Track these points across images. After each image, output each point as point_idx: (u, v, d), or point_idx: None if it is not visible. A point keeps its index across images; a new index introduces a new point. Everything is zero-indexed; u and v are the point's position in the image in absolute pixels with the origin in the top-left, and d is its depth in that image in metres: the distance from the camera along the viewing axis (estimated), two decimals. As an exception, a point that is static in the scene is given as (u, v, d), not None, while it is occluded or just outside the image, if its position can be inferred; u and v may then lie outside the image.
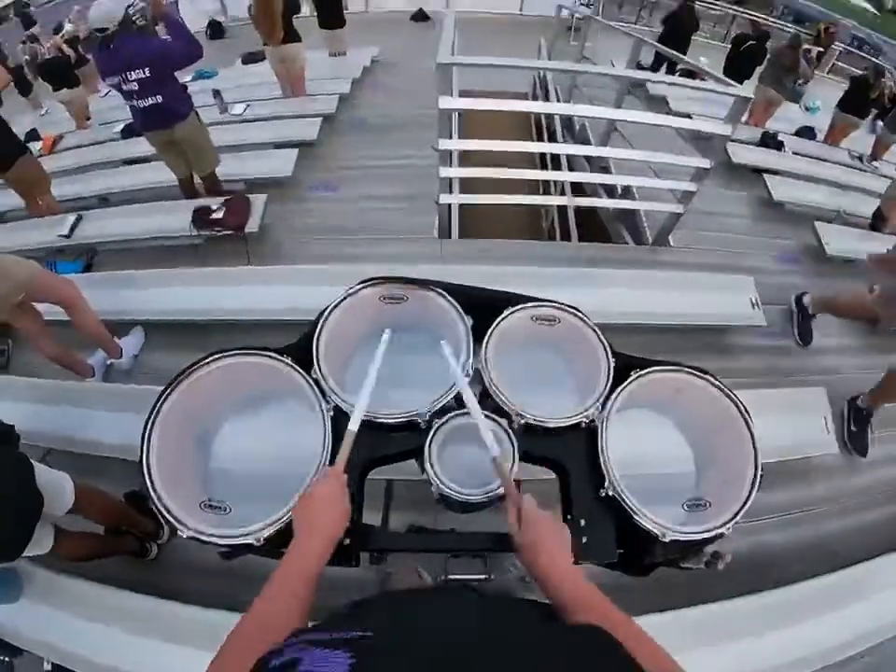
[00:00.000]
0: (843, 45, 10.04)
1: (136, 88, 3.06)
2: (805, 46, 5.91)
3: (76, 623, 1.75)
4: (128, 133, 5.07)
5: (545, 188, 5.47)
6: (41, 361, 2.65)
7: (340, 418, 1.14)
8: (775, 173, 4.56)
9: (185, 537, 1.02)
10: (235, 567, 1.64)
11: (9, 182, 3.69)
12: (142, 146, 4.41)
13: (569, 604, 0.71)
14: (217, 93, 5.07)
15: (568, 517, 1.15)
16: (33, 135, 5.71)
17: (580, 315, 1.33)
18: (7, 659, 1.78)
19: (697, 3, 7.69)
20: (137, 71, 2.99)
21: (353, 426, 0.97)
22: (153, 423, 1.10)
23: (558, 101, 5.89)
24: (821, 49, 6.99)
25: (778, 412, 2.36)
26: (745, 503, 1.09)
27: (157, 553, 2.16)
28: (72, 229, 3.56)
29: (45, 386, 2.53)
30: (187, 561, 2.12)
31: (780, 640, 1.76)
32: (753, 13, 9.87)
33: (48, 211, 3.87)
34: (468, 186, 4.01)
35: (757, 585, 1.87)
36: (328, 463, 1.07)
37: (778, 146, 5.25)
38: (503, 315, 1.28)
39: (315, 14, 6.52)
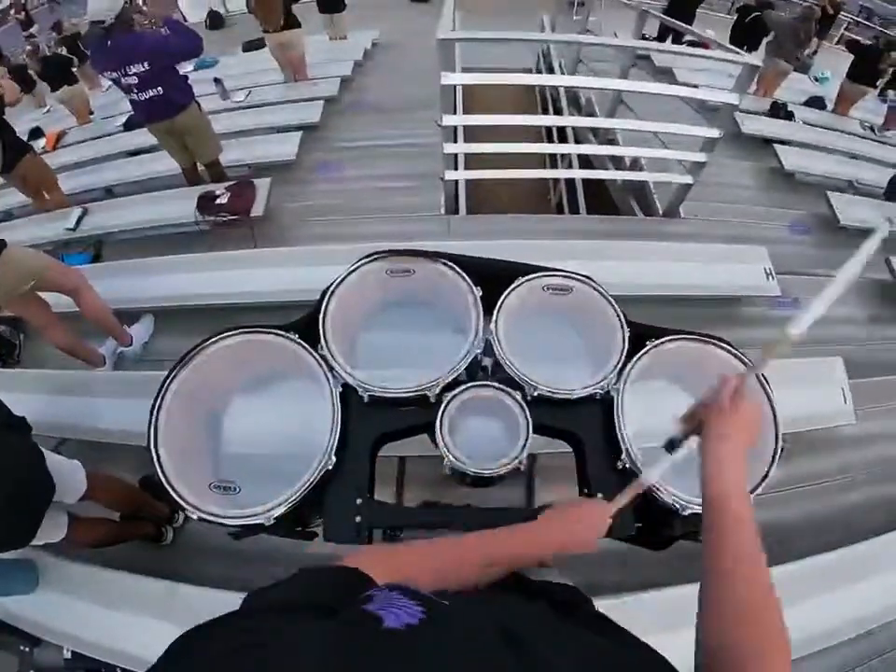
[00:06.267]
0: (851, 15, 9.79)
1: (136, 81, 3.03)
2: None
3: (93, 609, 1.75)
4: (130, 125, 5.04)
5: (552, 162, 5.39)
6: (52, 353, 2.66)
7: (348, 395, 1.12)
8: (785, 143, 4.45)
9: (195, 518, 1.01)
10: (250, 550, 1.64)
11: (15, 181, 3.67)
12: (144, 137, 4.38)
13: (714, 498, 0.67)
14: (217, 81, 5.02)
15: (584, 491, 1.13)
16: (36, 133, 5.66)
17: (593, 283, 1.29)
18: (27, 648, 1.79)
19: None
20: (136, 65, 2.96)
21: (650, 476, 0.85)
22: (160, 405, 1.09)
23: (563, 75, 5.77)
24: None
25: (795, 382, 2.30)
26: (765, 476, 1.06)
27: (173, 537, 2.16)
28: (78, 222, 3.55)
29: (56, 377, 2.53)
30: (202, 544, 2.13)
31: (791, 617, 1.71)
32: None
33: (56, 206, 3.85)
34: (474, 162, 3.94)
35: (768, 560, 1.83)
36: (336, 442, 1.04)
37: (789, 116, 5.14)
38: (514, 286, 1.25)
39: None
